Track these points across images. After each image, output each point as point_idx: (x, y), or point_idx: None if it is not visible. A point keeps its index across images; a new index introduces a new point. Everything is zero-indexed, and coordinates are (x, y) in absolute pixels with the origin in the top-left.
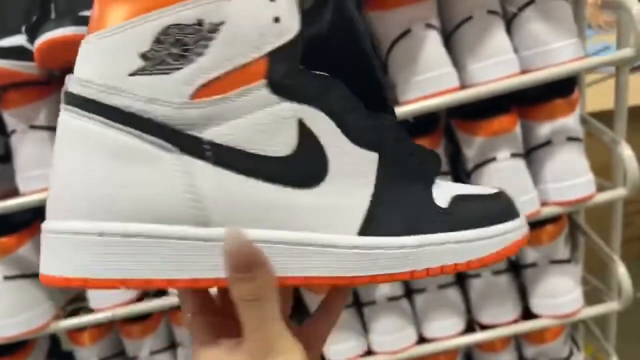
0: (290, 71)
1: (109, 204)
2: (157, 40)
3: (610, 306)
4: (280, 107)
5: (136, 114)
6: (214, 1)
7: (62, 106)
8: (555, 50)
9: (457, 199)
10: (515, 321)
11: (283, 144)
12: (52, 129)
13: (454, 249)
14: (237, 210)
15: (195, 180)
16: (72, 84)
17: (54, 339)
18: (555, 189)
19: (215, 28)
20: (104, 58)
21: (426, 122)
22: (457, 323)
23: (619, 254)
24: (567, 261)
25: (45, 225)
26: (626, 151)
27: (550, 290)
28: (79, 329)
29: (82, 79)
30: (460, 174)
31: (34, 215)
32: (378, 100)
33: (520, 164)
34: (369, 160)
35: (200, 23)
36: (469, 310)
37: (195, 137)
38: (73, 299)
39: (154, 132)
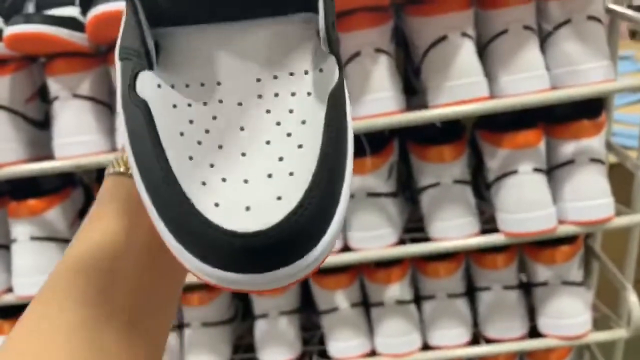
0: None
1: None
2: None
3: (618, 333)
4: None
5: None
6: None
7: None
8: (587, 71)
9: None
10: (521, 338)
11: None
12: (93, 99)
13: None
14: None
15: None
16: None
17: None
18: (573, 208)
19: None
20: None
21: (452, 129)
22: (462, 334)
23: (632, 281)
24: (579, 284)
25: None
26: None
27: (559, 310)
28: None
29: None
30: (480, 186)
31: (64, 183)
32: None
33: (542, 179)
34: None
35: None
36: (476, 323)
37: None
38: None
39: None
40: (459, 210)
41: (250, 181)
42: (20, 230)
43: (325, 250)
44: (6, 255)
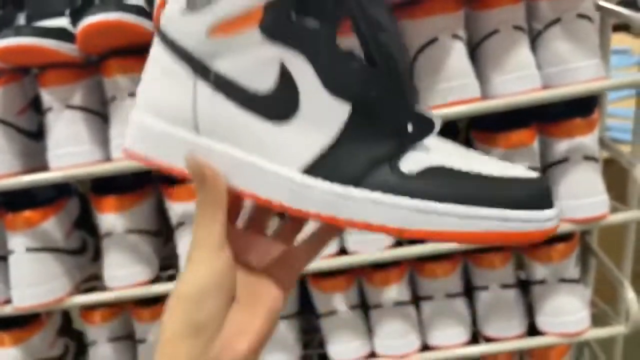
0: (280, 18)
1: (152, 103)
2: None
3: (617, 329)
4: (266, 48)
5: (176, 44)
6: None
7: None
8: (578, 69)
9: (432, 170)
10: (520, 336)
11: (265, 82)
12: (86, 109)
13: (400, 213)
14: (215, 124)
15: (197, 94)
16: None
17: (66, 317)
18: (568, 206)
19: None
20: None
21: (447, 132)
22: (461, 333)
23: (630, 277)
24: (577, 281)
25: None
26: None
27: (557, 308)
28: (91, 307)
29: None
30: None
31: (59, 193)
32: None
33: None
34: (340, 111)
35: None
36: (474, 322)
37: (205, 65)
38: (89, 277)
39: (182, 58)
40: None
41: None
42: (17, 242)
43: None
44: (4, 266)
